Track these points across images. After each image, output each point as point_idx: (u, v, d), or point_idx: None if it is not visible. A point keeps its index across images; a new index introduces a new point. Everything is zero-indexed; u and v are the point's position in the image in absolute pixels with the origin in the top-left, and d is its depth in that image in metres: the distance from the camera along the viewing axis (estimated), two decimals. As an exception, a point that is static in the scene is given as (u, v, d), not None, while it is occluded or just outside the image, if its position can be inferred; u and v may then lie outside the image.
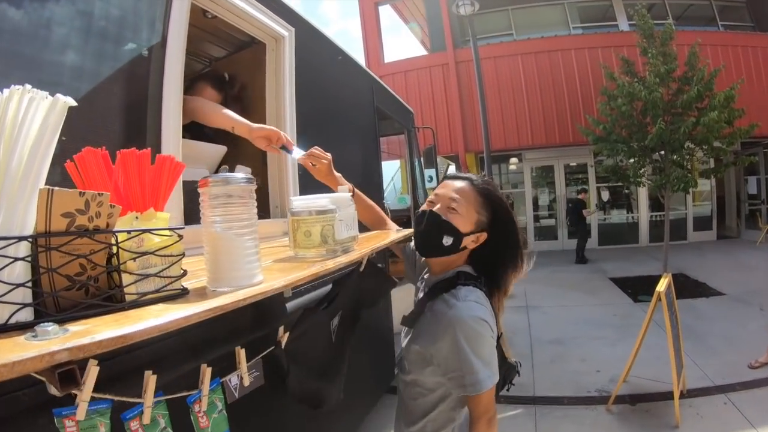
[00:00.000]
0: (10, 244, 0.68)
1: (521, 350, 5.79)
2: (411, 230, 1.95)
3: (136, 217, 0.85)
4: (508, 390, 1.74)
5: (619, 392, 4.18)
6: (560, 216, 14.69)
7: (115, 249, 0.80)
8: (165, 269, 0.84)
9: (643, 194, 13.91)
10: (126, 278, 0.80)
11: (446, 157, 15.15)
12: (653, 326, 4.03)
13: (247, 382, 1.36)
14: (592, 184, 14.51)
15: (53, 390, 0.69)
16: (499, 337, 1.56)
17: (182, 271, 0.89)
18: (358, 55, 14.72)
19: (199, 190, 0.92)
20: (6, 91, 0.75)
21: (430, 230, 1.48)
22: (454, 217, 1.46)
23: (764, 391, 4.19)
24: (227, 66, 3.06)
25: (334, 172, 1.88)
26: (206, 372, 1.19)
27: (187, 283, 0.96)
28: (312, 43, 2.80)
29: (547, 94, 13.22)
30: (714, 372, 4.63)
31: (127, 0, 1.56)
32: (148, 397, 1.04)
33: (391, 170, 9.49)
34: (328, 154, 1.86)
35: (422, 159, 6.10)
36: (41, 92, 0.77)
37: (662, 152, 8.87)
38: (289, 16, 2.48)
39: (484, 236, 1.52)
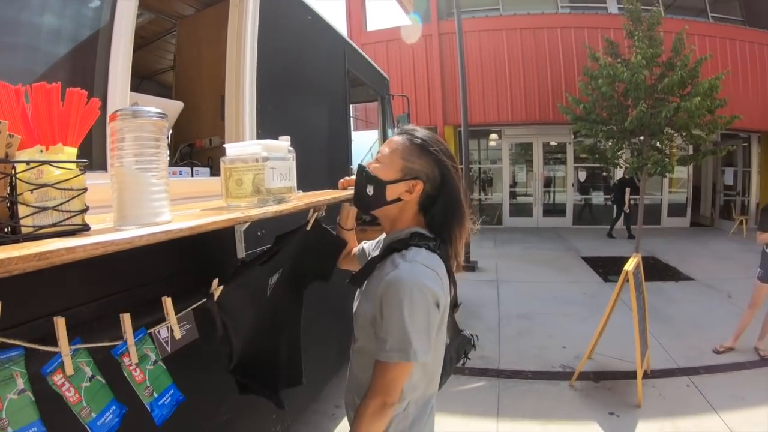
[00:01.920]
0: None
1: (489, 324, 5.86)
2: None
3: (41, 150, 0.84)
4: (464, 364, 1.70)
5: (584, 369, 4.22)
6: (537, 193, 14.86)
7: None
8: (64, 203, 0.82)
9: (619, 177, 13.95)
10: (23, 210, 0.79)
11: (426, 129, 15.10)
12: (622, 306, 4.05)
13: (178, 335, 1.29)
14: (570, 163, 14.66)
15: None
16: (454, 308, 1.51)
17: (84, 207, 0.87)
18: (341, 22, 14.47)
19: (109, 125, 0.90)
20: None
21: (357, 182, 1.47)
22: (376, 167, 1.44)
23: (726, 376, 4.26)
24: (193, 24, 3.00)
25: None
26: (126, 320, 1.13)
27: (102, 225, 0.94)
28: (279, 1, 2.73)
29: (530, 71, 13.15)
30: (678, 354, 4.71)
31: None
32: (63, 345, 1.00)
33: (371, 140, 9.40)
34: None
35: (396, 128, 6.00)
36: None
37: (641, 137, 8.90)
38: (255, -31, 2.41)
39: (419, 186, 1.40)
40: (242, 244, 2.28)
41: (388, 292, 1.24)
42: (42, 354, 0.98)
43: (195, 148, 2.86)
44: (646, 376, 4.03)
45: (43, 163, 0.81)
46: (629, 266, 3.83)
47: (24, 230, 0.79)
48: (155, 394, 1.18)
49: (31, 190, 0.79)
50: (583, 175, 14.92)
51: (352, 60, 4.06)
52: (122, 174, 0.88)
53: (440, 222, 1.44)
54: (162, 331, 1.26)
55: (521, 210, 15.27)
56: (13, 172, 0.78)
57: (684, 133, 8.69)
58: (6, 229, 0.80)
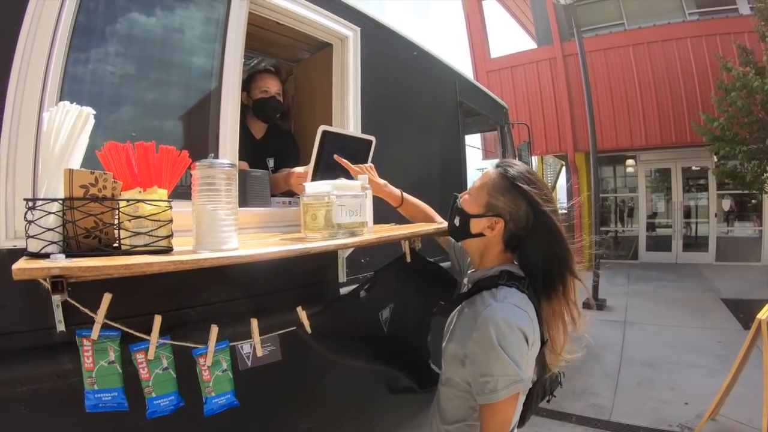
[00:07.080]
0: (47, 203, 1.06)
1: (608, 369, 5.44)
2: (444, 225, 2.00)
3: (140, 191, 1.16)
4: (548, 401, 1.63)
5: (703, 431, 3.70)
6: (676, 225, 13.49)
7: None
8: (153, 230, 1.13)
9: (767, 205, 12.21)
10: (123, 234, 1.12)
11: (557, 157, 14.63)
12: (759, 358, 3.43)
13: (260, 354, 1.53)
14: (713, 190, 12.93)
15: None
16: (544, 344, 1.42)
17: (169, 233, 1.17)
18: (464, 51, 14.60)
19: (191, 172, 1.20)
20: (56, 106, 1.14)
21: (450, 211, 1.57)
22: (464, 200, 1.51)
23: None
24: (306, 67, 3.29)
25: (379, 180, 2.05)
26: (213, 331, 1.43)
27: (185, 248, 1.23)
28: (381, 41, 2.93)
29: (662, 88, 12.01)
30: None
31: (186, 17, 1.92)
32: (154, 336, 1.31)
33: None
34: (366, 165, 2.08)
35: (516, 157, 5.93)
36: (75, 105, 1.14)
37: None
38: (354, 16, 2.65)
39: (500, 224, 1.40)
40: (344, 270, 2.49)
41: (480, 331, 1.26)
42: (135, 338, 1.31)
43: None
44: (775, 446, 3.44)
45: (138, 201, 1.13)
46: (763, 315, 3.31)
47: (123, 248, 1.11)
48: (213, 393, 1.44)
49: (129, 220, 1.11)
50: (727, 204, 13.19)
51: (464, 91, 4.11)
52: (199, 211, 1.17)
53: (533, 263, 1.42)
54: (245, 347, 1.52)
55: (659, 243, 13.87)
56: (117, 207, 1.11)
57: None
58: (114, 245, 1.13)
